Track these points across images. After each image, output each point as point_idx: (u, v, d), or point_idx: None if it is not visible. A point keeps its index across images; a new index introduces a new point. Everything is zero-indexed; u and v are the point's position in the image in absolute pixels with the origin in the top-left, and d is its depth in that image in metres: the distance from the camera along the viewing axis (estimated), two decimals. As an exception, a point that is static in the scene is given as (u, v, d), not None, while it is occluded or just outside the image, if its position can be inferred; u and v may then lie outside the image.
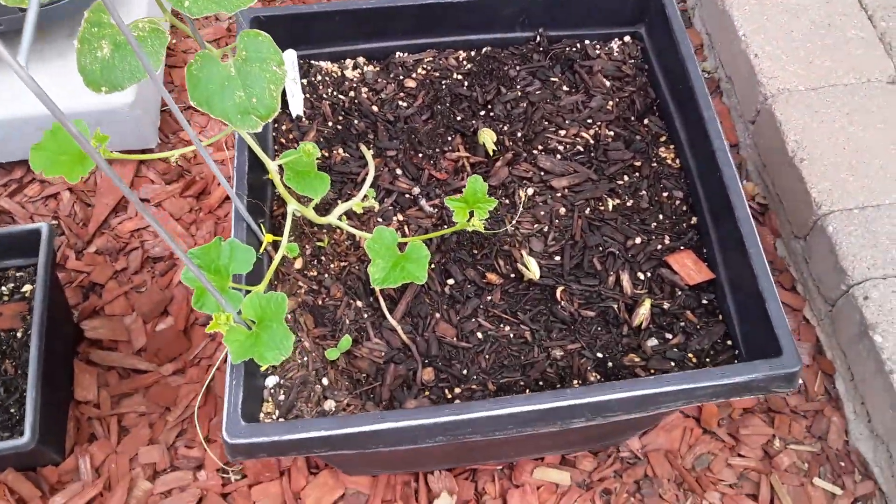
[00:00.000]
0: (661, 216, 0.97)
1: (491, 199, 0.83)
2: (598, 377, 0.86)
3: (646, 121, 1.04)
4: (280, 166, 0.84)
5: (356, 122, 1.03)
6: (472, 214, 0.84)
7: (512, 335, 0.89)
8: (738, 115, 1.46)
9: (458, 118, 1.04)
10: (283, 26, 1.01)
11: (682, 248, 0.94)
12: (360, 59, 1.08)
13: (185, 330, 1.28)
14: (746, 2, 1.45)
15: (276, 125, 1.01)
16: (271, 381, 0.83)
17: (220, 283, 0.77)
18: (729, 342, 0.88)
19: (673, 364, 0.86)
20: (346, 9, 1.02)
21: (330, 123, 1.02)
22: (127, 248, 1.36)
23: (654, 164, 1.00)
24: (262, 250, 0.89)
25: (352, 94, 1.05)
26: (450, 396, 0.85)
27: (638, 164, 1.00)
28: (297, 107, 1.01)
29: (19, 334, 1.11)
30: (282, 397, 0.82)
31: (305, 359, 0.85)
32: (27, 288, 1.14)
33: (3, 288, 1.14)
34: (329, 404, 0.82)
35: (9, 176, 1.41)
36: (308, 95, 1.04)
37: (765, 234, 1.36)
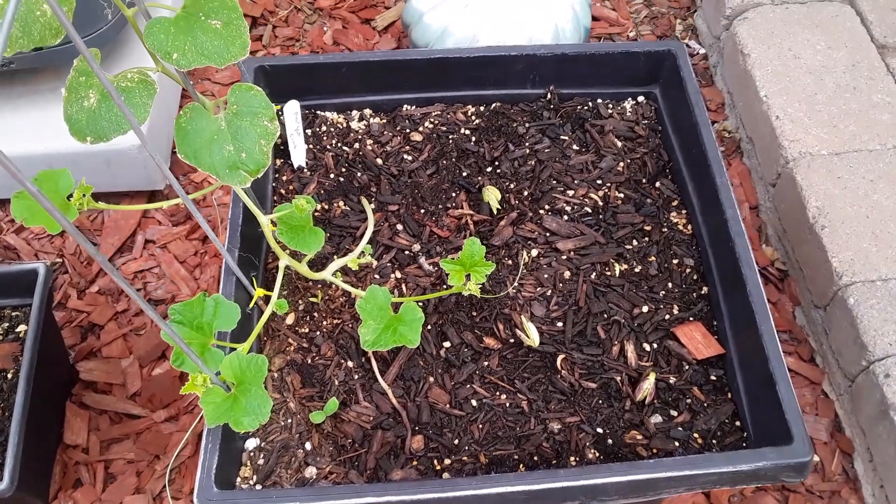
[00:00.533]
0: (670, 284, 0.93)
1: (489, 262, 0.80)
2: (597, 454, 0.81)
3: (658, 184, 1.01)
4: (273, 220, 0.82)
5: (359, 174, 1.01)
6: (468, 278, 0.81)
7: (508, 404, 0.85)
8: (758, 176, 1.42)
9: (464, 174, 1.02)
10: (289, 76, 1.00)
11: (691, 319, 0.90)
12: (367, 111, 1.07)
13: (182, 375, 1.25)
14: (769, 62, 1.42)
15: (276, 176, 0.99)
16: (251, 443, 0.80)
17: (201, 341, 0.74)
18: (737, 423, 0.83)
19: (677, 444, 0.82)
20: (352, 61, 1.00)
21: (332, 175, 1.00)
22: (129, 289, 1.34)
23: (665, 230, 0.97)
24: (251, 305, 0.86)
25: (356, 145, 1.03)
26: (439, 468, 0.80)
27: (648, 228, 0.97)
28: (299, 157, 0.99)
29: (10, 375, 1.09)
30: (261, 461, 0.79)
31: (289, 421, 0.82)
32: (22, 328, 1.12)
33: (-2, 327, 1.12)
34: (310, 471, 0.78)
35: (17, 212, 1.40)
36: (311, 146, 1.02)
37: (784, 301, 1.31)
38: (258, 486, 0.77)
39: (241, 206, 0.87)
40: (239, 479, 0.77)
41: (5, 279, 1.10)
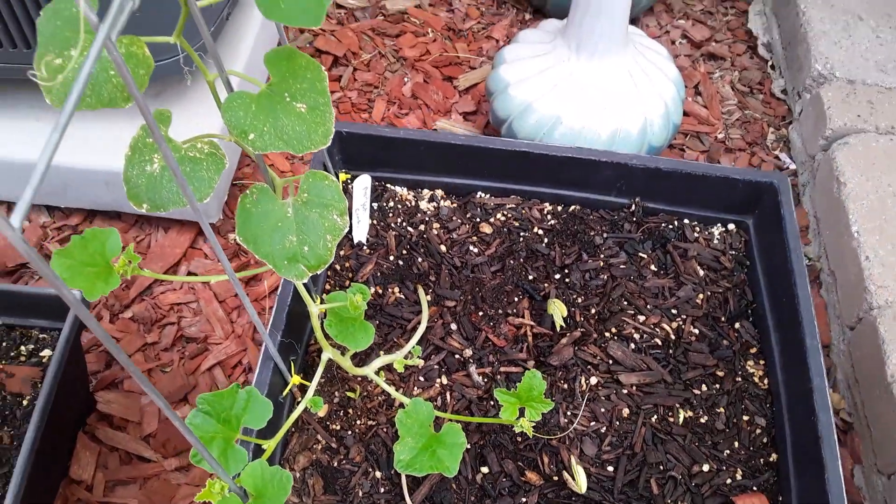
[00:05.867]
0: (736, 443, 0.84)
1: (547, 401, 0.73)
2: None
3: (737, 325, 0.93)
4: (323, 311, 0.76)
5: (420, 259, 0.95)
6: (522, 412, 0.74)
7: (540, 550, 0.77)
8: (835, 314, 1.33)
9: (530, 277, 0.95)
10: (365, 145, 0.95)
11: (754, 488, 0.82)
12: (439, 192, 1.01)
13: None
14: (866, 196, 1.33)
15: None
16: (259, 552, 0.73)
17: (226, 435, 0.68)
18: None
19: None
20: (433, 141, 0.95)
21: (391, 257, 0.94)
22: (163, 320, 1.30)
23: (739, 379, 0.88)
24: (285, 392, 0.80)
25: (422, 227, 0.97)
26: None
27: (720, 374, 0.89)
28: (361, 233, 0.93)
29: (25, 402, 1.04)
30: (266, 575, 0.72)
31: (303, 531, 0.75)
32: (46, 353, 1.08)
33: (23, 348, 1.08)
34: None
35: (65, 220, 1.37)
36: (375, 221, 0.96)
37: (844, 456, 1.21)
38: None
39: (292, 288, 0.81)
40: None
41: (37, 300, 1.06)
